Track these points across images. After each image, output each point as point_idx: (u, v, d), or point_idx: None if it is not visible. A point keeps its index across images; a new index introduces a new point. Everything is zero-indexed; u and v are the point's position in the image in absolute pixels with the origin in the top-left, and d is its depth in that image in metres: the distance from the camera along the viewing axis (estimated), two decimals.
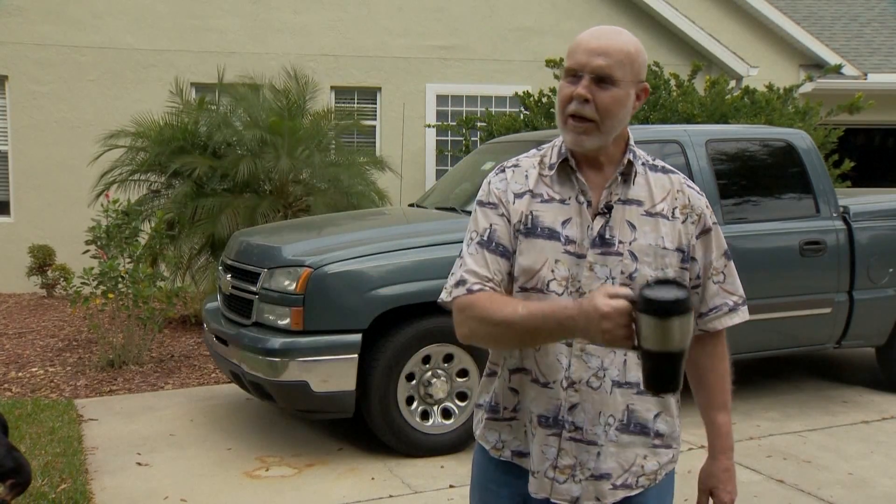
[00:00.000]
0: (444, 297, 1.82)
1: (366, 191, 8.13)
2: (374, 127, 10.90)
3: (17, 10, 9.87)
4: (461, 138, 10.52)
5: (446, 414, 4.65)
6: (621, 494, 1.80)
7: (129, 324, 6.49)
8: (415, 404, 4.59)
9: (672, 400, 1.84)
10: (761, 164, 5.69)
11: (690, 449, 4.72)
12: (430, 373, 4.59)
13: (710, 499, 1.96)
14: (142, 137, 7.97)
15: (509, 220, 1.80)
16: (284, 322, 4.44)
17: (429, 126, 10.63)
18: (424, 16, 10.86)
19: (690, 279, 1.83)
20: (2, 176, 10.13)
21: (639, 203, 1.78)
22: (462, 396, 4.66)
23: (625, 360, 1.77)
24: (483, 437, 1.92)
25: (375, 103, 10.98)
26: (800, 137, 5.72)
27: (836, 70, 10.81)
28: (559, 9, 11.17)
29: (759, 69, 11.28)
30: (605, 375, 1.76)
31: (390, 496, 4.07)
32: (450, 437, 4.63)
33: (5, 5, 9.82)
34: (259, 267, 4.69)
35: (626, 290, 1.54)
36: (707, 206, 1.86)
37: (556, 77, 9.45)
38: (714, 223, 1.86)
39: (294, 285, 4.42)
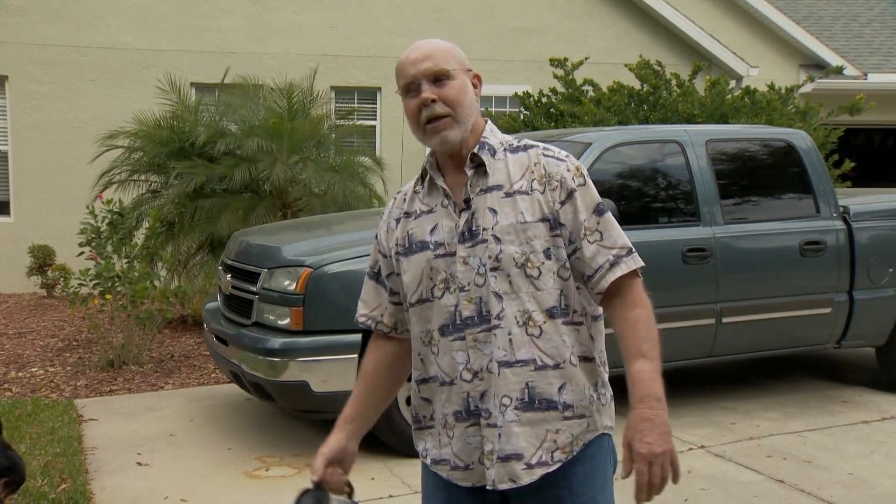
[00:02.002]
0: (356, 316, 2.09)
1: (364, 194, 8.14)
2: (374, 127, 10.90)
3: (17, 10, 9.87)
4: None
5: None
6: (539, 472, 1.81)
7: (128, 324, 6.49)
8: None
9: (576, 370, 1.83)
10: (761, 164, 5.69)
11: (691, 449, 4.72)
12: None
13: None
14: (140, 138, 7.97)
15: (386, 255, 1.98)
16: (284, 322, 4.44)
17: None
18: (424, 16, 10.86)
19: (565, 245, 1.83)
20: (2, 176, 10.13)
21: (499, 188, 1.84)
22: None
23: (510, 340, 1.79)
24: (416, 446, 2.02)
25: (375, 103, 10.98)
26: (800, 137, 5.72)
27: (838, 71, 10.82)
28: (559, 9, 11.17)
29: (759, 69, 11.28)
30: (492, 358, 1.80)
31: (390, 496, 4.07)
32: None
33: (5, 5, 9.82)
34: (259, 267, 4.69)
35: (318, 470, 1.88)
36: (569, 169, 1.85)
37: (556, 77, 9.46)
38: (581, 184, 1.84)
39: (294, 285, 4.42)
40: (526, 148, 1.89)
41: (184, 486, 4.17)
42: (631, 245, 1.86)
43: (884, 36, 13.50)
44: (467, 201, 1.84)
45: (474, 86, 1.89)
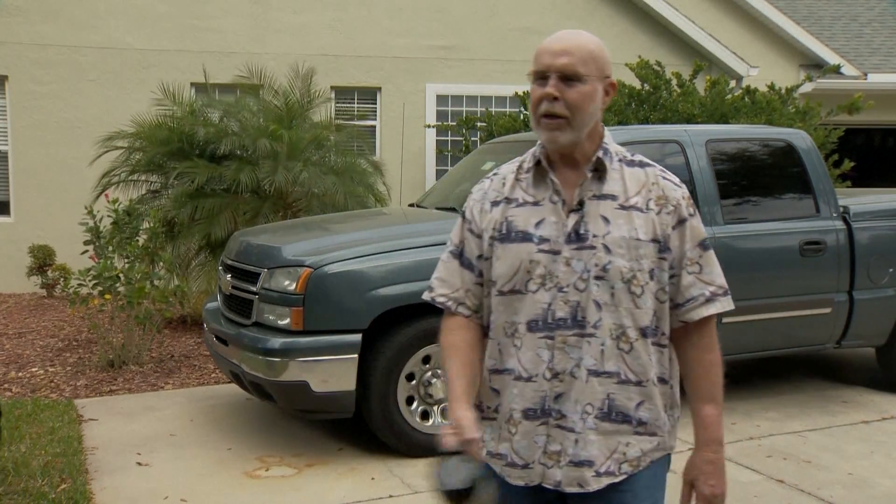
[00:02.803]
0: (424, 295, 2.05)
1: (364, 195, 8.13)
2: (374, 127, 10.90)
3: (17, 10, 9.87)
4: (461, 138, 10.52)
5: (446, 414, 4.65)
6: (605, 481, 1.84)
7: (128, 324, 6.49)
8: (415, 404, 4.59)
9: (656, 390, 1.87)
10: (761, 164, 5.69)
11: (691, 449, 4.71)
12: (430, 373, 4.59)
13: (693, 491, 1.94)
14: (140, 139, 7.97)
15: (479, 236, 1.94)
16: (284, 322, 4.44)
17: (429, 126, 10.63)
18: (424, 16, 10.86)
19: (667, 269, 1.86)
20: (2, 176, 10.13)
21: (613, 198, 1.84)
22: None
23: (602, 350, 1.81)
24: None
25: (375, 103, 10.98)
26: (800, 137, 5.72)
27: (835, 70, 10.81)
28: (559, 9, 11.17)
29: (759, 69, 11.28)
30: (580, 365, 1.81)
31: (390, 496, 4.07)
32: None
33: (5, 5, 9.82)
34: (259, 267, 4.69)
35: (460, 434, 1.74)
36: (684, 197, 1.88)
37: None
38: (691, 214, 1.88)
39: (294, 285, 4.42)
40: (642, 164, 1.91)
41: (184, 486, 4.17)
42: (727, 286, 1.91)
43: (884, 36, 13.49)
44: (581, 203, 1.83)
45: (606, 93, 1.86)
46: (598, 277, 1.80)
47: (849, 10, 14.16)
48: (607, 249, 1.80)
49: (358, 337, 4.37)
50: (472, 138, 10.29)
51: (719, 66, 11.10)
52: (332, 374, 4.35)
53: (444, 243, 2.04)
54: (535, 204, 1.87)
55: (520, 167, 1.94)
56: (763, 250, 5.37)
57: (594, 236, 1.81)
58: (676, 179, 1.91)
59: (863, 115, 9.46)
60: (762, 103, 8.74)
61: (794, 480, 4.29)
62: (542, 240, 1.83)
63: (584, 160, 1.86)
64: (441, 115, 10.91)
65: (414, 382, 4.57)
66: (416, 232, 4.91)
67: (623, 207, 1.83)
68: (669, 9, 11.14)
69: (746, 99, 8.86)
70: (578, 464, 1.83)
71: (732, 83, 10.05)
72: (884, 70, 12.40)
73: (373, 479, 4.28)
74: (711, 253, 1.90)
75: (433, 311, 4.67)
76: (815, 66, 11.82)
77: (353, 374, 4.37)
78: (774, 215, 5.48)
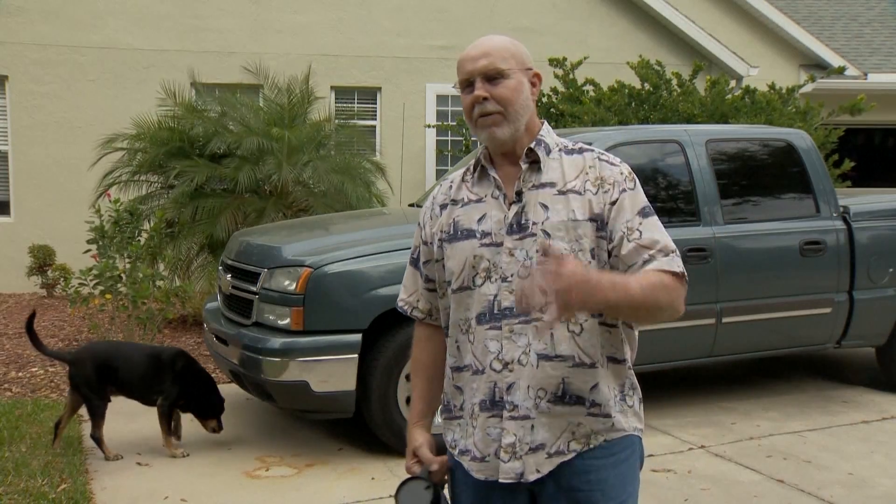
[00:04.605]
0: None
1: (365, 194, 8.14)
2: (374, 127, 10.90)
3: (17, 10, 9.87)
4: (461, 138, 10.52)
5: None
6: (557, 460, 1.85)
7: (128, 324, 6.49)
8: None
9: (607, 370, 1.86)
10: (761, 164, 5.70)
11: (691, 449, 4.72)
12: None
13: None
14: (140, 140, 7.97)
15: (425, 242, 2.03)
16: (284, 322, 4.44)
17: (429, 126, 10.63)
18: (424, 16, 10.86)
19: (608, 246, 1.84)
20: (2, 176, 10.13)
21: (552, 185, 1.88)
22: None
23: (552, 334, 1.81)
24: (444, 437, 2.03)
25: (375, 103, 10.98)
26: (800, 137, 5.72)
27: (840, 72, 10.82)
28: (559, 9, 11.17)
29: (759, 69, 11.28)
30: (530, 351, 1.82)
31: (390, 496, 4.04)
32: None
33: (5, 5, 9.82)
34: (259, 267, 4.69)
35: (432, 458, 1.95)
36: (622, 174, 1.88)
37: (557, 77, 9.46)
38: (630, 188, 1.87)
39: (294, 285, 4.42)
40: (581, 151, 1.93)
41: (184, 486, 4.17)
42: (674, 248, 1.83)
43: (884, 36, 13.49)
44: (519, 194, 1.87)
45: (533, 84, 1.91)
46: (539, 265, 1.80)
47: (849, 10, 14.16)
48: (547, 234, 1.83)
49: (358, 337, 4.38)
50: (472, 138, 10.29)
51: (719, 66, 11.10)
52: (332, 374, 4.36)
53: None
54: (479, 201, 1.92)
55: (467, 170, 2.00)
56: (763, 250, 5.37)
57: (534, 224, 1.84)
58: (615, 159, 1.92)
59: (863, 115, 9.46)
60: (762, 103, 8.75)
61: (794, 480, 4.29)
62: (484, 234, 1.88)
63: (523, 155, 1.90)
64: (441, 115, 10.91)
65: None
66: None
67: (561, 193, 1.86)
68: (669, 9, 11.14)
69: (746, 99, 8.86)
70: (535, 449, 1.84)
71: (732, 83, 10.05)
72: (884, 70, 12.40)
73: (373, 479, 4.28)
74: (654, 219, 1.86)
75: None
76: (815, 66, 11.82)
77: (353, 374, 4.37)
78: (774, 215, 5.48)
